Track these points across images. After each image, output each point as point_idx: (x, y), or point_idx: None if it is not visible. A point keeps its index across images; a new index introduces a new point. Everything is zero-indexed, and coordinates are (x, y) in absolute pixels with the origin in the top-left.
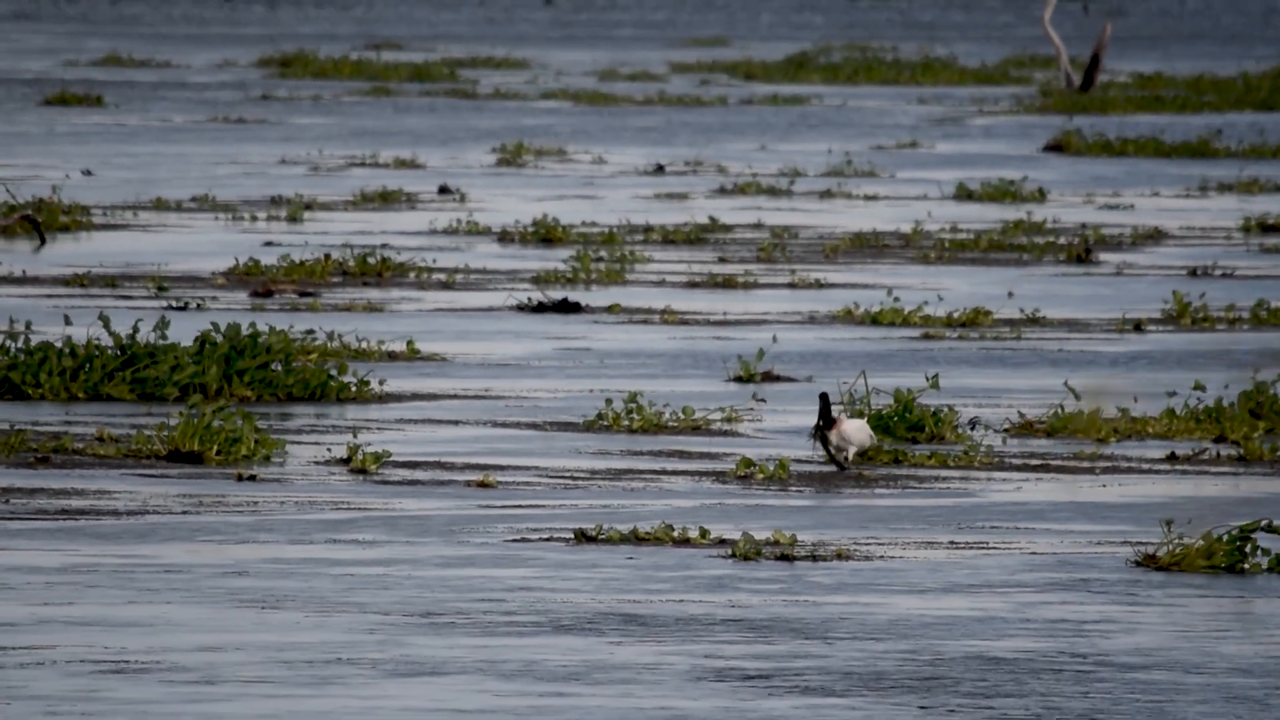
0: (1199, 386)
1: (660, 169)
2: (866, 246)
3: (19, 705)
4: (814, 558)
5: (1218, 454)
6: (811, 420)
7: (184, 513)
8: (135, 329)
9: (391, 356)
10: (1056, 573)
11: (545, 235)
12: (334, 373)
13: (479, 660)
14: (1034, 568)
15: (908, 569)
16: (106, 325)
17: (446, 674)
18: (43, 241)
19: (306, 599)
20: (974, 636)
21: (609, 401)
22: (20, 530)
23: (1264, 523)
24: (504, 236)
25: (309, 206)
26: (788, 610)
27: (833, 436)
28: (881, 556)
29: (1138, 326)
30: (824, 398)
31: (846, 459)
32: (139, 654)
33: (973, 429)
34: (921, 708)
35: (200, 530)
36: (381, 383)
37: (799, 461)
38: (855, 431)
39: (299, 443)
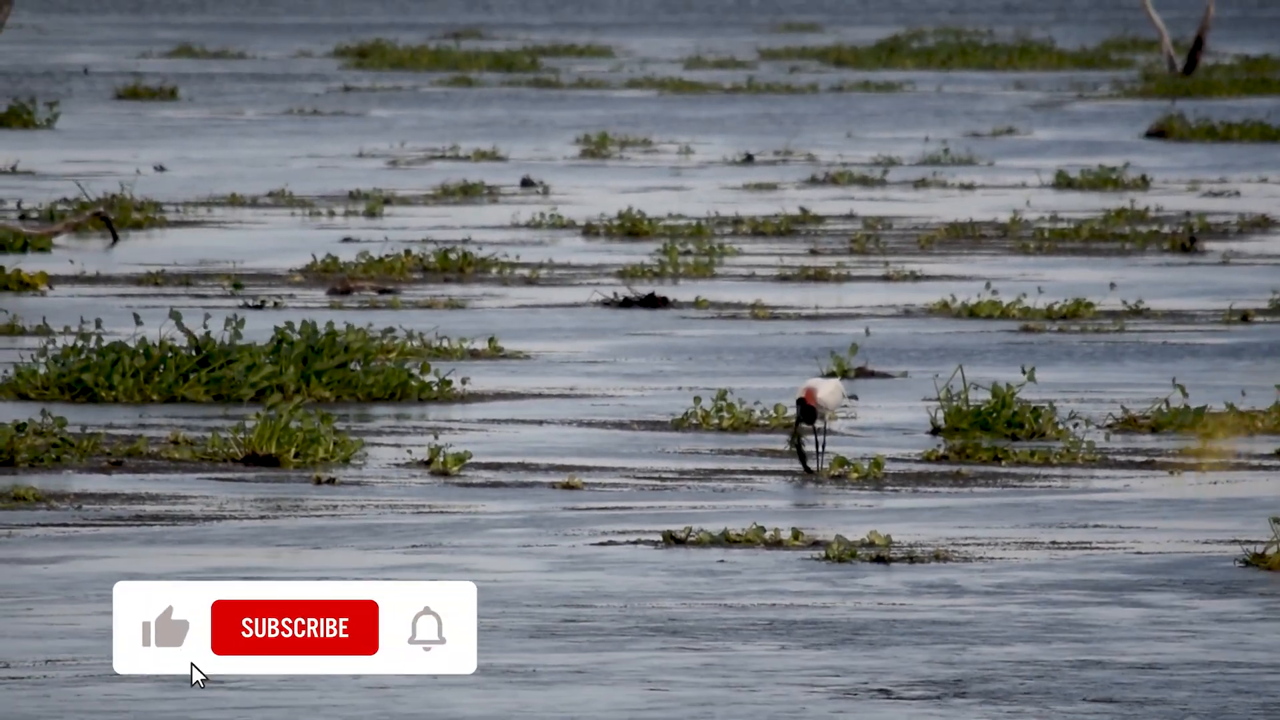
0: None
1: (749, 159)
2: (963, 237)
3: (100, 718)
4: (911, 559)
5: None
6: (895, 415)
7: (261, 517)
8: (206, 326)
9: (474, 355)
10: (1162, 573)
11: (631, 228)
12: (415, 372)
13: (574, 668)
14: (1140, 568)
15: (1008, 570)
16: (178, 322)
17: (551, 684)
18: (115, 239)
19: None
20: (1082, 639)
21: (698, 399)
22: (94, 537)
23: None
24: (589, 230)
25: (388, 201)
26: (884, 614)
27: (813, 404)
28: (980, 558)
29: (1245, 317)
30: (800, 403)
31: (825, 422)
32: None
33: (1074, 425)
34: (1024, 713)
35: (278, 535)
36: (464, 382)
37: (894, 460)
38: (830, 395)
39: (379, 444)
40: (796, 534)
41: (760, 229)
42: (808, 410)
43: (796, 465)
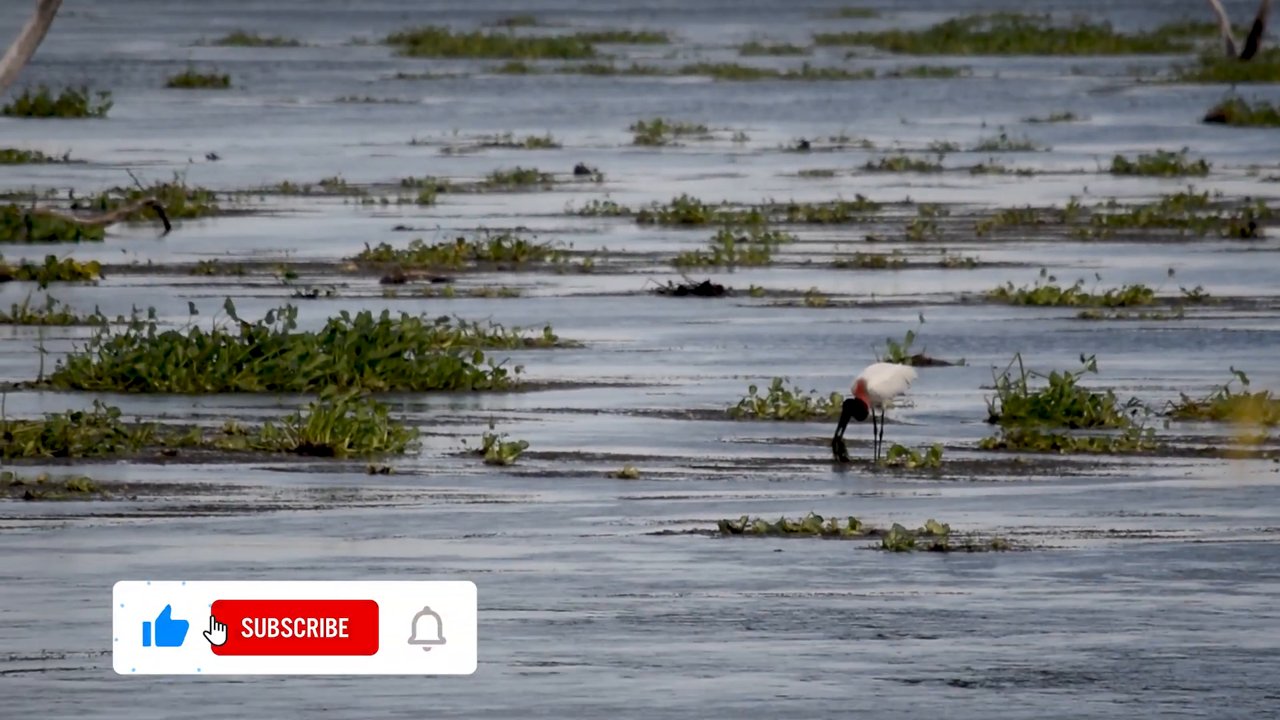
0: None
1: (805, 146)
2: (1020, 223)
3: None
4: (969, 548)
5: None
6: (952, 403)
7: (316, 507)
8: (269, 316)
9: (528, 344)
10: (1224, 561)
11: (686, 216)
12: (469, 361)
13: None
14: (1200, 555)
15: (1067, 558)
16: (232, 311)
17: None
18: (168, 228)
19: None
20: (1140, 628)
21: (753, 388)
22: (148, 527)
23: None
24: (643, 218)
25: (441, 189)
26: (943, 602)
27: (865, 400)
28: (1039, 546)
29: None
30: (847, 405)
31: (881, 416)
32: None
33: (1134, 413)
34: (1075, 699)
35: (332, 525)
36: (518, 371)
37: (952, 449)
38: (885, 384)
39: (433, 434)
40: (854, 523)
41: (816, 216)
42: (856, 407)
43: (851, 454)
